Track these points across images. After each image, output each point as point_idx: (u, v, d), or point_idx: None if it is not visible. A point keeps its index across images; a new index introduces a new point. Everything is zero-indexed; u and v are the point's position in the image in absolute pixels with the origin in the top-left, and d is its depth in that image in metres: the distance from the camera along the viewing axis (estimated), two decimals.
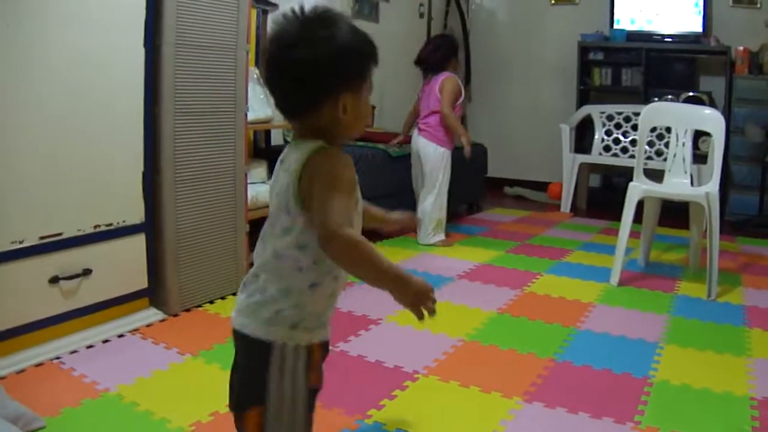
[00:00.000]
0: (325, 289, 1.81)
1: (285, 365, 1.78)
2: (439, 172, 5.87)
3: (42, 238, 3.28)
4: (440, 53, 5.92)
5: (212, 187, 4.08)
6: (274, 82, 1.80)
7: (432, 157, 5.85)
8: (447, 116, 5.78)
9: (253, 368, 1.80)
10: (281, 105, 1.83)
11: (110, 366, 3.25)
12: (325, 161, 1.72)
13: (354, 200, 1.81)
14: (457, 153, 5.95)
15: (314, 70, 1.71)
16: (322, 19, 1.76)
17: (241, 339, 1.83)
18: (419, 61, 6.05)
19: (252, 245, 4.45)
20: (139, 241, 3.80)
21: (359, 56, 1.81)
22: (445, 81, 5.86)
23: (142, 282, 3.85)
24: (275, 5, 5.99)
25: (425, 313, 1.72)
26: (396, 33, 8.08)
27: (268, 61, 1.79)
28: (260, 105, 5.06)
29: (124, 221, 3.68)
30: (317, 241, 1.68)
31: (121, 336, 3.61)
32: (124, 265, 3.73)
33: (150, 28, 3.65)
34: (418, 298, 1.70)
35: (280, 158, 1.86)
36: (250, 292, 1.83)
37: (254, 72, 5.24)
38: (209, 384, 3.10)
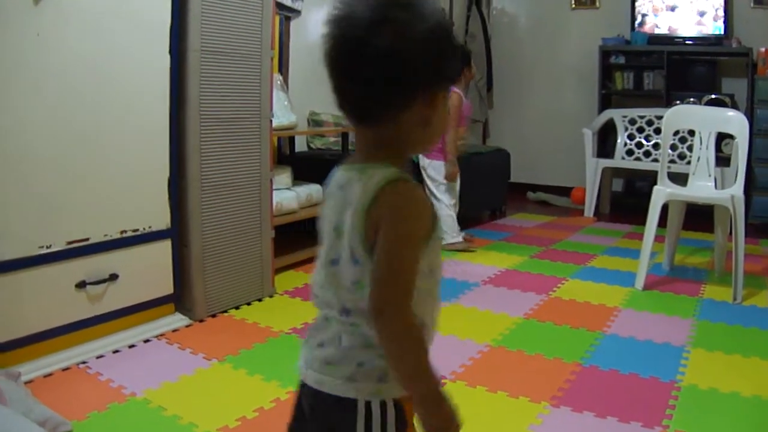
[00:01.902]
0: None
1: (372, 425, 1.45)
2: (439, 181, 5.83)
3: (69, 243, 3.30)
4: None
5: (238, 193, 4.09)
6: (344, 74, 1.41)
7: (429, 170, 5.84)
8: (448, 139, 5.66)
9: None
10: (353, 106, 1.44)
11: (137, 371, 3.27)
12: (399, 203, 1.37)
13: (426, 249, 1.43)
14: (478, 158, 5.92)
15: (409, 57, 1.33)
16: None
17: (315, 398, 1.50)
18: None
19: (277, 251, 4.48)
20: (165, 246, 3.82)
21: (453, 44, 1.45)
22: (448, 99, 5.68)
23: (168, 287, 3.87)
24: (298, 12, 6.02)
25: None
26: None
27: (337, 46, 1.40)
28: (284, 112, 5.08)
29: (150, 227, 3.70)
30: (368, 305, 1.37)
31: (147, 341, 3.63)
32: (150, 270, 3.75)
33: (175, 34, 3.67)
34: (440, 425, 1.43)
35: (339, 184, 1.48)
36: (321, 341, 1.51)
37: (278, 78, 5.26)
38: (236, 389, 3.12)
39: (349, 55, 1.37)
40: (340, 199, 1.45)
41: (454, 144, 5.70)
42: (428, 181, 5.79)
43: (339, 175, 1.49)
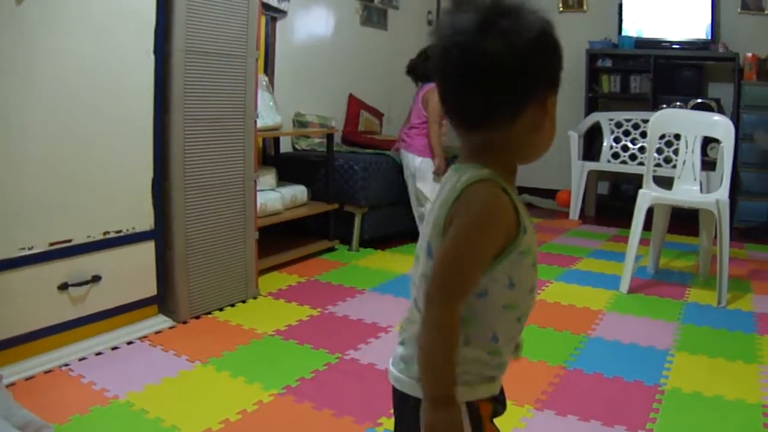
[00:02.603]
0: (485, 347, 1.46)
1: None
2: (430, 183, 5.76)
3: (51, 244, 3.29)
4: (430, 63, 5.80)
5: (222, 194, 4.08)
6: (454, 81, 1.42)
7: (420, 170, 5.77)
8: (432, 135, 5.65)
9: (407, 429, 1.51)
10: (467, 111, 1.44)
11: (119, 373, 3.25)
12: (476, 203, 1.39)
13: (505, 259, 1.42)
14: None
15: (516, 63, 1.35)
16: (507, 7, 1.38)
17: (394, 394, 1.55)
18: (409, 71, 5.94)
19: (261, 252, 4.47)
20: (149, 247, 3.80)
21: (558, 50, 1.46)
22: (429, 94, 5.65)
23: (151, 289, 3.85)
24: (284, 12, 6.01)
25: None
26: (404, 41, 8.07)
27: (445, 54, 1.42)
28: (269, 112, 5.07)
29: (133, 228, 3.68)
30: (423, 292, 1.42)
31: (130, 343, 3.61)
32: (133, 272, 3.73)
33: (160, 35, 3.66)
34: (437, 428, 1.40)
35: (441, 184, 1.50)
36: (402, 339, 1.55)
37: (263, 79, 5.25)
38: (219, 391, 3.11)
39: (457, 63, 1.39)
40: (438, 198, 1.47)
41: (439, 139, 5.67)
42: (419, 184, 5.77)
43: (446, 174, 1.50)
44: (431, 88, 5.65)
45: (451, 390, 1.40)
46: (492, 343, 1.47)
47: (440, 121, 5.60)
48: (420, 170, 5.74)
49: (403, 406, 1.51)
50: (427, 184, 5.73)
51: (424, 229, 1.49)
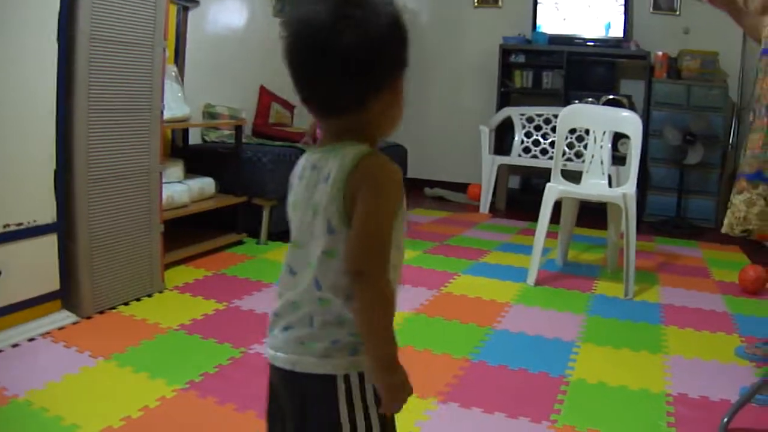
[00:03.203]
0: None
1: (353, 398, 1.52)
2: None
3: None
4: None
5: (126, 186, 3.99)
6: (309, 72, 1.47)
7: None
8: None
9: (315, 411, 1.53)
10: (320, 101, 1.51)
11: (20, 371, 3.16)
12: (377, 172, 1.46)
13: (395, 222, 1.49)
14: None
15: (369, 51, 1.42)
16: None
17: (291, 380, 1.54)
18: None
19: (167, 245, 4.41)
20: (51, 241, 3.70)
21: (405, 35, 1.52)
22: None
23: (54, 284, 3.75)
24: (197, 2, 5.94)
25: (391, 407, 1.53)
26: None
27: (298, 46, 1.46)
28: (177, 103, 5.00)
29: (35, 221, 3.58)
30: (346, 271, 1.45)
31: (31, 340, 3.50)
32: (35, 266, 3.63)
33: (64, 21, 3.56)
34: (398, 389, 1.50)
35: (311, 164, 1.55)
36: (290, 323, 1.55)
37: (172, 69, 5.18)
38: (121, 388, 3.05)
39: (313, 53, 1.44)
40: (313, 178, 1.53)
41: None
42: None
43: (310, 157, 1.57)
44: None
45: (397, 351, 1.48)
46: None
47: None
48: None
49: (307, 386, 1.52)
50: None
51: (305, 214, 1.53)
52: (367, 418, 1.53)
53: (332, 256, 1.47)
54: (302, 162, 1.59)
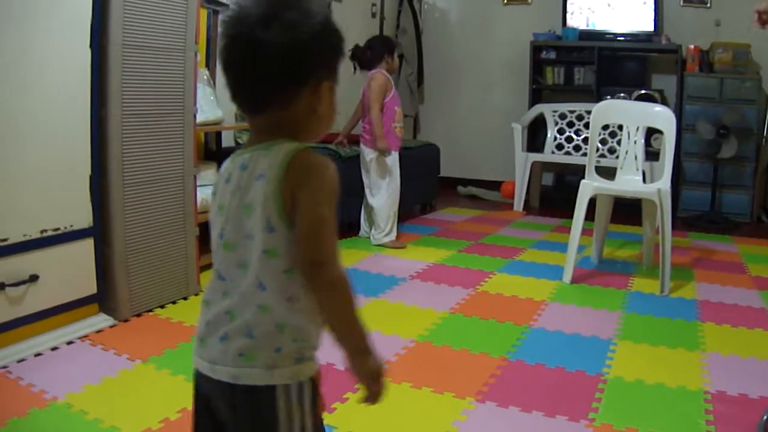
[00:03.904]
0: (317, 314, 1.53)
1: (292, 408, 1.51)
2: (378, 174, 5.80)
3: None
4: (372, 51, 5.80)
5: (161, 189, 4.01)
6: (241, 69, 1.51)
7: (373, 163, 5.79)
8: (372, 116, 5.69)
9: (254, 424, 1.51)
10: (248, 97, 1.54)
11: (59, 374, 3.17)
12: (313, 167, 1.47)
13: None
14: (407, 152, 5.89)
15: (297, 51, 1.47)
16: None
17: (230, 393, 1.50)
18: (352, 56, 5.94)
19: (202, 248, 4.42)
20: (88, 245, 3.72)
21: (335, 39, 1.59)
22: (371, 80, 5.75)
23: (91, 287, 3.77)
24: (226, 5, 5.95)
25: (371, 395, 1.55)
26: (348, 33, 7.86)
27: (232, 44, 1.51)
28: (210, 106, 5.01)
29: (71, 225, 3.60)
30: (300, 269, 1.46)
31: (70, 343, 3.53)
32: (72, 270, 3.65)
33: (96, 28, 3.58)
34: (372, 374, 1.52)
35: (240, 165, 1.54)
36: (226, 334, 1.50)
37: (204, 73, 5.19)
38: (159, 390, 3.05)
39: (243, 51, 1.48)
40: (244, 178, 1.52)
41: (379, 119, 5.70)
42: (373, 174, 5.79)
43: (236, 159, 1.57)
44: (374, 72, 5.80)
45: (368, 336, 1.51)
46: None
47: (380, 102, 5.63)
48: (373, 163, 5.80)
49: (249, 399, 1.51)
50: (377, 174, 5.78)
51: (237, 216, 1.52)
52: (302, 428, 1.53)
53: (273, 255, 1.47)
54: (227, 165, 1.59)
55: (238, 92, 1.55)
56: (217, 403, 1.55)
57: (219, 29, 1.50)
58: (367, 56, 5.80)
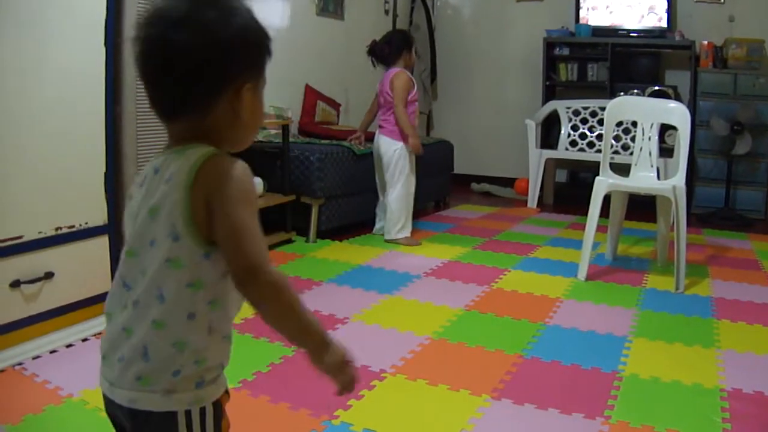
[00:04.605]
0: (223, 332, 1.48)
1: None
2: (397, 168, 5.78)
3: (2, 241, 3.21)
4: (390, 46, 5.80)
5: None
6: (155, 72, 1.44)
7: (389, 154, 5.77)
8: (399, 115, 5.67)
9: None
10: (163, 100, 1.47)
11: (74, 371, 3.18)
12: (228, 171, 1.38)
13: None
14: (424, 149, 5.89)
15: (210, 54, 1.39)
16: None
17: (131, 416, 1.44)
18: (370, 51, 5.94)
19: None
20: (103, 242, 3.73)
21: (257, 39, 1.49)
22: (395, 77, 5.72)
23: (105, 285, 3.74)
24: None
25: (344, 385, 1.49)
26: (361, 30, 8.05)
27: (142, 47, 1.43)
28: None
29: (86, 223, 3.62)
30: (234, 279, 1.37)
31: (85, 340, 3.54)
32: (87, 267, 3.66)
33: (110, 26, 3.59)
34: (341, 364, 1.46)
35: (153, 169, 1.47)
36: (121, 356, 1.43)
37: None
38: None
39: (155, 54, 1.42)
40: (154, 182, 1.44)
41: (407, 117, 5.70)
42: (391, 168, 5.81)
43: (153, 162, 1.49)
44: (397, 71, 5.75)
45: (323, 330, 1.45)
46: (228, 326, 1.50)
47: (405, 101, 5.64)
48: (389, 154, 5.80)
49: (146, 423, 1.43)
50: (394, 166, 5.79)
51: (143, 219, 1.43)
52: None
53: (177, 266, 1.38)
54: (144, 169, 1.51)
55: (153, 98, 1.48)
56: (124, 424, 1.49)
57: (136, 31, 1.39)
58: (386, 52, 5.80)
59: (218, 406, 1.49)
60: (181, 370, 1.40)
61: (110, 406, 1.48)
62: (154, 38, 1.41)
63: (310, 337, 1.44)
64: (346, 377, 1.47)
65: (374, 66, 5.99)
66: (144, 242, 1.42)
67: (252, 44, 1.47)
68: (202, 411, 1.44)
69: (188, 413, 1.43)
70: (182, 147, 1.44)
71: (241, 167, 1.40)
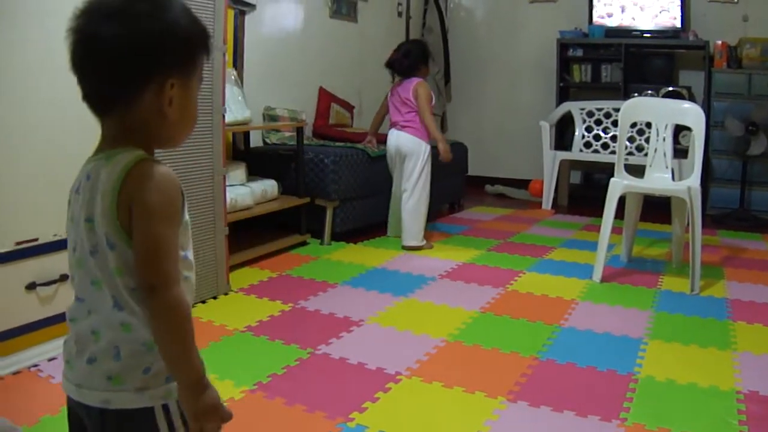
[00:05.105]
0: None
1: (174, 425, 1.46)
2: (422, 167, 5.74)
3: (18, 243, 3.23)
4: (410, 60, 5.79)
5: (190, 190, 4.03)
6: (82, 64, 1.41)
7: (417, 150, 5.71)
8: (428, 124, 5.66)
9: None
10: (91, 94, 1.45)
11: None
12: (148, 180, 1.37)
13: (182, 227, 1.47)
14: (435, 152, 5.88)
15: (133, 46, 1.37)
16: None
17: (102, 418, 1.43)
18: (389, 64, 5.95)
19: (231, 248, 4.44)
20: None
21: (188, 36, 1.46)
22: (419, 87, 5.71)
23: None
24: (253, 6, 5.97)
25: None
26: (374, 32, 8.07)
27: (76, 38, 1.40)
28: (238, 106, 5.04)
29: None
30: (137, 286, 1.38)
31: None
32: None
33: None
34: (207, 414, 1.39)
35: (86, 174, 1.46)
36: (93, 355, 1.43)
37: (231, 73, 5.21)
38: None
39: (82, 46, 1.40)
40: (87, 189, 1.43)
41: (434, 124, 5.71)
42: (409, 168, 5.78)
43: (87, 166, 1.48)
44: (419, 80, 5.77)
45: (202, 370, 1.39)
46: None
47: (432, 109, 5.68)
48: (416, 152, 5.77)
49: (123, 423, 1.43)
50: (420, 164, 5.77)
51: (84, 229, 1.42)
52: None
53: (119, 273, 1.39)
54: (78, 173, 1.50)
55: (84, 91, 1.45)
56: (88, 422, 1.48)
57: (69, 24, 1.36)
58: (405, 65, 5.79)
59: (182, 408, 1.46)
60: (151, 367, 1.42)
61: (76, 407, 1.48)
62: (84, 30, 1.39)
63: (190, 372, 1.38)
64: (213, 426, 1.42)
65: (393, 78, 5.99)
66: (86, 252, 1.42)
67: (181, 39, 1.44)
68: (178, 404, 1.44)
69: (166, 407, 1.44)
70: (112, 150, 1.43)
71: (165, 176, 1.40)
